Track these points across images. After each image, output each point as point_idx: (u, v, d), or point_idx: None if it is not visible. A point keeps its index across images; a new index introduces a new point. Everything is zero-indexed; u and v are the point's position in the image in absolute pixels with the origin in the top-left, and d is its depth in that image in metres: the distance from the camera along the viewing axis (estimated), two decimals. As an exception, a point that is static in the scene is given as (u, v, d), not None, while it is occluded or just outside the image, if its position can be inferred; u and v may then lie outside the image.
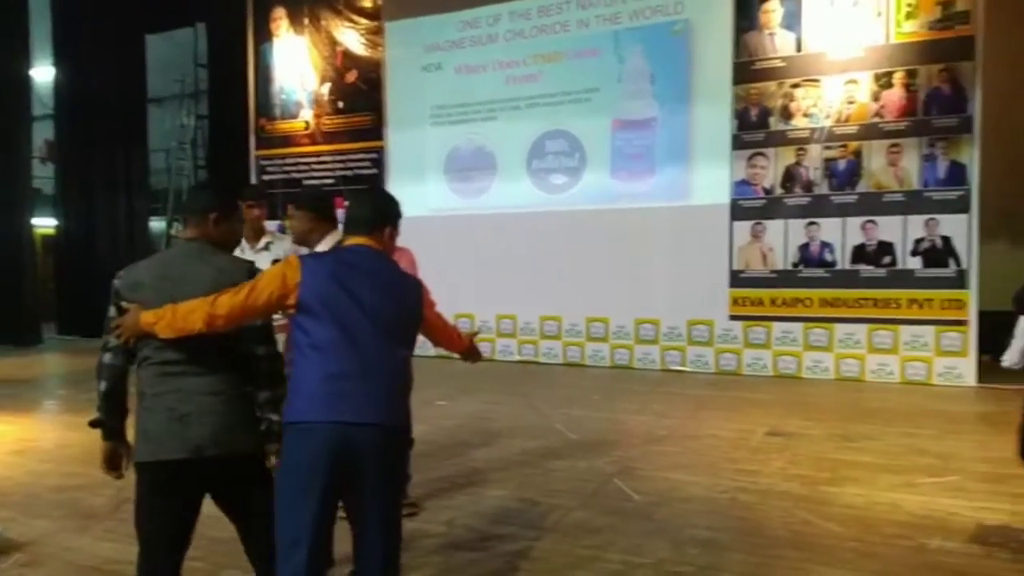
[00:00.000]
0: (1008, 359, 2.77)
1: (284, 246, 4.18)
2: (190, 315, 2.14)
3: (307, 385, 2.17)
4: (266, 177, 10.31)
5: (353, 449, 2.12)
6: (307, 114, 10.10)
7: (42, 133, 13.27)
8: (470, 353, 2.81)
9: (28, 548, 3.50)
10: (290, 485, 2.14)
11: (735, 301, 7.76)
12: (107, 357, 2.26)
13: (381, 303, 2.23)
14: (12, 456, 5.13)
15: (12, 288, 11.15)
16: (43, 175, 13.30)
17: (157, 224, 13.72)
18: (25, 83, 11.61)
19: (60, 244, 12.42)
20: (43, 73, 12.75)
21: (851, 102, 7.29)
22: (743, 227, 7.74)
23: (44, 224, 12.89)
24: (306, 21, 10.05)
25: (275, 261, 4.06)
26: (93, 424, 2.32)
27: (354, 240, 2.38)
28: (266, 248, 4.12)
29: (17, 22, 11.25)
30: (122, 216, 11.70)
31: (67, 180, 12.22)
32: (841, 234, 7.34)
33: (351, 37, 9.76)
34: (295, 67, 10.16)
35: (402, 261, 3.64)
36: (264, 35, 10.37)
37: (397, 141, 9.53)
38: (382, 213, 2.43)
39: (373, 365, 2.19)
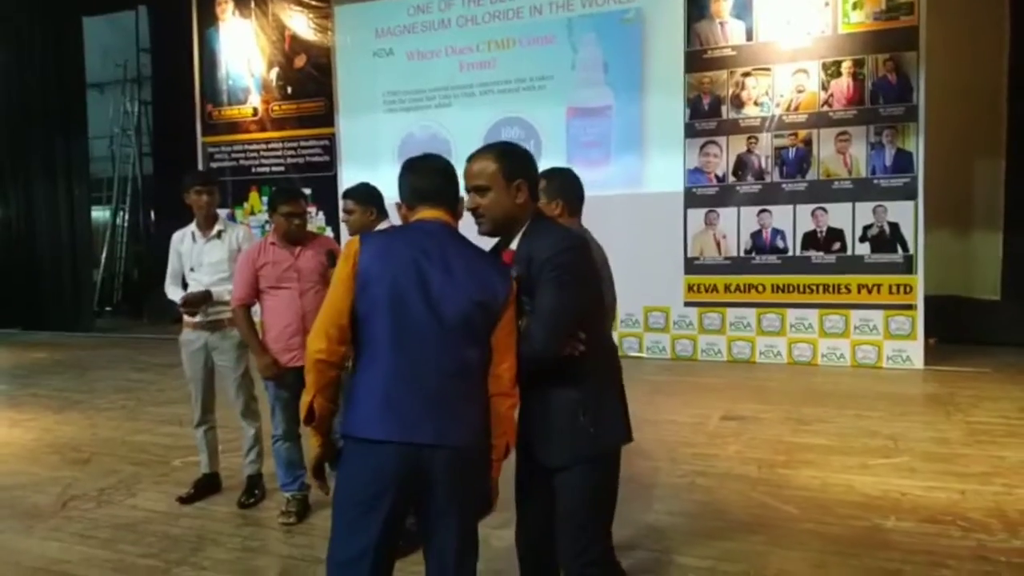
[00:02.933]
0: None
1: (237, 234, 4.03)
2: None
3: (366, 392, 1.91)
4: (214, 164, 10.03)
5: (423, 471, 1.88)
6: (255, 100, 9.84)
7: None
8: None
9: (-33, 551, 3.36)
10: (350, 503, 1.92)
11: (690, 288, 7.82)
12: None
13: (453, 293, 1.88)
14: (-52, 456, 4.92)
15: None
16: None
17: (99, 213, 13.32)
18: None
19: (-4, 234, 11.92)
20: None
21: (800, 91, 7.38)
22: (697, 215, 7.79)
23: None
24: (252, 5, 9.77)
25: (235, 250, 3.93)
26: None
27: (426, 213, 2.00)
28: (218, 236, 3.98)
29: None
30: (62, 204, 11.24)
31: (2, 168, 11.71)
32: (792, 221, 7.44)
33: (299, 21, 9.53)
34: (242, 52, 9.87)
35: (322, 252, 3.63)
36: (209, 19, 10.04)
37: (349, 128, 9.36)
38: (456, 184, 2.07)
39: (441, 370, 1.88)
